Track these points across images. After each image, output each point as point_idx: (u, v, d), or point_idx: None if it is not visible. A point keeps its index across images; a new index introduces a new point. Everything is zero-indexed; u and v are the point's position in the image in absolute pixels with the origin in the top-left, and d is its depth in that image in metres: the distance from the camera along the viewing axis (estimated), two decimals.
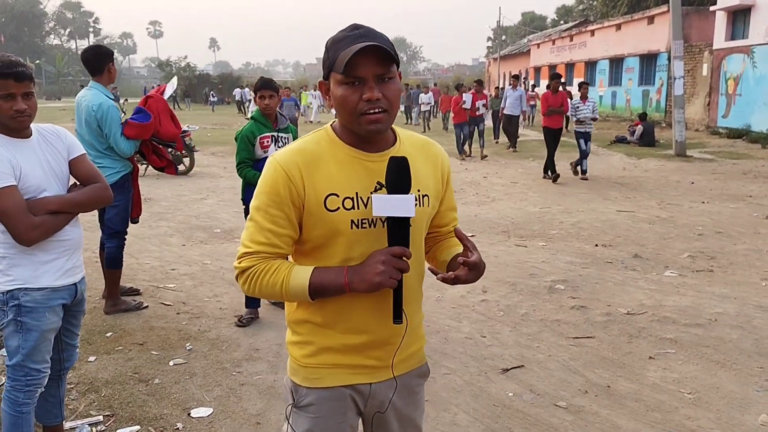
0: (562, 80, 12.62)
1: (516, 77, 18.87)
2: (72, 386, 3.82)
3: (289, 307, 1.83)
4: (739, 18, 20.61)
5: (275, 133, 4.86)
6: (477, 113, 16.06)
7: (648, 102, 26.58)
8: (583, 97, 12.25)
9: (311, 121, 29.40)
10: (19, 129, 2.62)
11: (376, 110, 1.60)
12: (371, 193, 1.66)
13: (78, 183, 2.84)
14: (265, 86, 4.80)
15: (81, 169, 2.82)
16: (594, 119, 12.29)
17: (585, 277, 6.02)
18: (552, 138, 12.23)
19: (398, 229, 1.62)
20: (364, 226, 1.66)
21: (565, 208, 9.44)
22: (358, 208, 1.66)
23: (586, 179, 12.22)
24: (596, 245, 7.28)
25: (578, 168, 12.54)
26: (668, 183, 11.85)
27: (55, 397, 3.03)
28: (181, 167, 12.28)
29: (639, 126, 18.73)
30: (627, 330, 4.78)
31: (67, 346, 2.97)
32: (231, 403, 3.66)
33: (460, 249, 1.82)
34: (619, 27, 29.79)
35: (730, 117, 20.65)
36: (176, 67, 60.33)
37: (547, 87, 12.61)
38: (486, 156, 15.97)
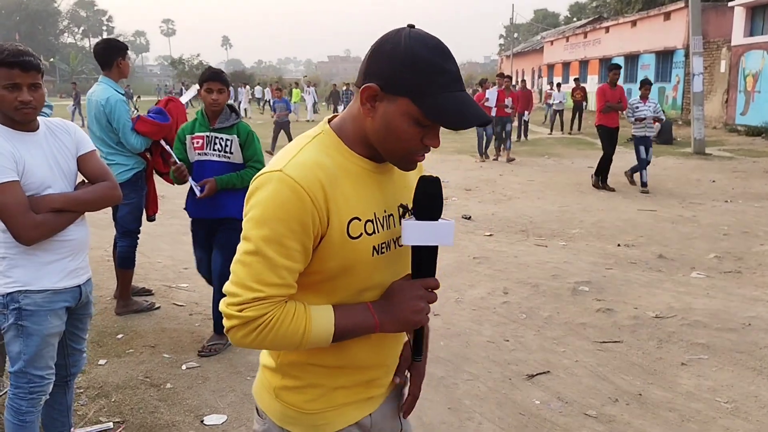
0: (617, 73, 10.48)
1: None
2: (81, 391, 3.68)
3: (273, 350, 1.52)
4: (759, 13, 20.25)
5: (209, 133, 4.06)
6: (505, 111, 14.68)
7: (664, 99, 26.23)
8: (644, 98, 10.58)
9: (309, 120, 28.95)
10: (24, 121, 2.48)
11: (425, 153, 1.42)
12: (385, 212, 1.45)
13: (86, 181, 2.69)
14: (214, 78, 4.06)
15: (89, 166, 2.67)
16: (659, 120, 10.87)
17: (609, 279, 5.82)
18: (610, 139, 10.67)
19: (429, 257, 1.42)
20: (383, 251, 1.44)
21: (584, 207, 9.23)
22: (378, 232, 1.42)
23: (647, 192, 10.46)
24: (619, 245, 7.08)
25: (634, 177, 11.09)
26: (688, 181, 11.61)
27: (62, 405, 2.88)
28: None
29: (656, 124, 18.41)
30: (656, 334, 4.59)
31: (73, 351, 2.82)
32: (245, 410, 3.50)
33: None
34: (634, 23, 29.43)
35: (749, 114, 20.30)
36: (189, 65, 60.41)
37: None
38: (513, 159, 14.83)
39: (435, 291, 1.45)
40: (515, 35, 70.63)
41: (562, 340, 4.50)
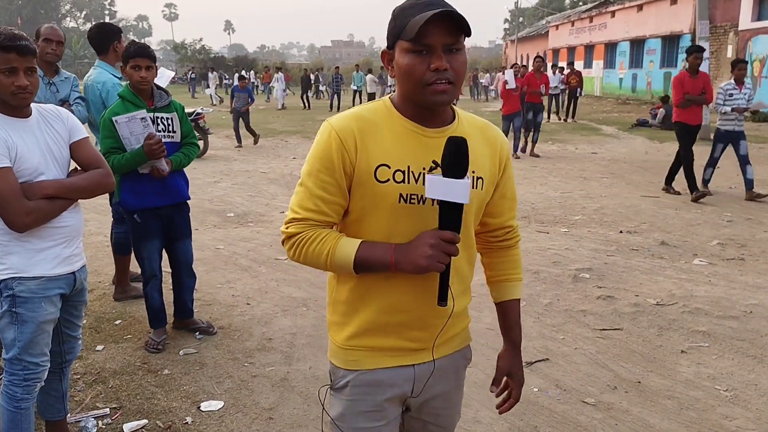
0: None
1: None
2: (78, 377, 3.68)
3: (330, 287, 1.77)
4: None
5: (152, 114, 3.82)
6: (539, 97, 12.96)
7: (670, 85, 26.02)
8: (739, 81, 8.48)
9: (280, 108, 27.67)
10: (20, 106, 2.45)
11: (443, 81, 1.52)
12: (424, 169, 1.59)
13: (79, 168, 2.66)
14: (141, 53, 3.77)
15: (82, 153, 2.64)
16: (745, 109, 8.54)
17: (611, 266, 5.79)
18: (689, 138, 8.84)
19: (451, 213, 1.52)
20: (412, 201, 1.59)
21: (587, 193, 9.18)
22: (408, 183, 1.58)
23: (707, 194, 8.85)
24: (621, 232, 7.03)
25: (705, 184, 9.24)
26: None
27: (57, 392, 2.88)
28: None
29: (661, 109, 18.31)
30: (657, 322, 4.56)
31: (68, 338, 2.81)
32: (242, 396, 3.50)
33: (514, 288, 1.91)
34: (640, 8, 29.15)
35: (756, 99, 20.13)
36: (191, 49, 60.18)
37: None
38: (538, 155, 13.06)
39: (455, 245, 1.54)
40: (520, 19, 70.10)
41: (561, 328, 4.48)
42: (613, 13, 32.26)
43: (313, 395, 3.53)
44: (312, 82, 33.46)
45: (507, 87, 12.43)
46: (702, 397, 3.55)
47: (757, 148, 14.11)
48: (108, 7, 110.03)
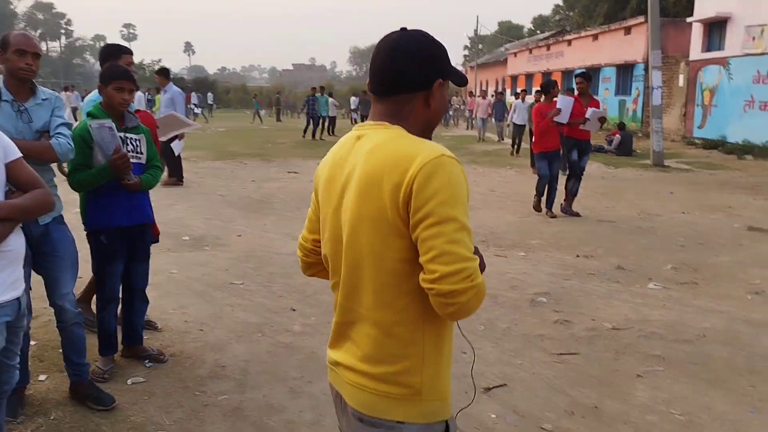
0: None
1: (524, 91, 18.98)
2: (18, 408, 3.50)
3: (410, 340, 1.62)
4: (715, 30, 20.78)
5: (122, 134, 3.77)
6: (585, 132, 9.22)
7: (625, 112, 26.72)
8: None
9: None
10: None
11: None
12: None
13: (14, 189, 2.54)
14: (126, 77, 3.76)
15: (20, 173, 2.53)
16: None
17: (568, 290, 5.82)
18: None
19: None
20: None
21: (544, 218, 9.26)
22: None
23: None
24: (578, 256, 7.10)
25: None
26: (647, 193, 11.77)
27: None
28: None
29: (617, 135, 18.74)
30: (613, 346, 4.58)
31: (6, 368, 2.67)
32: (192, 427, 3.37)
33: None
34: (596, 37, 29.96)
35: (706, 128, 20.78)
36: (149, 70, 59.50)
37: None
38: (577, 214, 9.40)
39: None
40: (480, 46, 71.34)
41: (519, 352, 4.46)
42: (569, 42, 33.08)
43: (267, 425, 3.42)
44: (273, 104, 33.21)
45: (557, 119, 8.93)
46: (657, 421, 3.55)
47: (708, 174, 14.52)
48: (64, 26, 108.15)
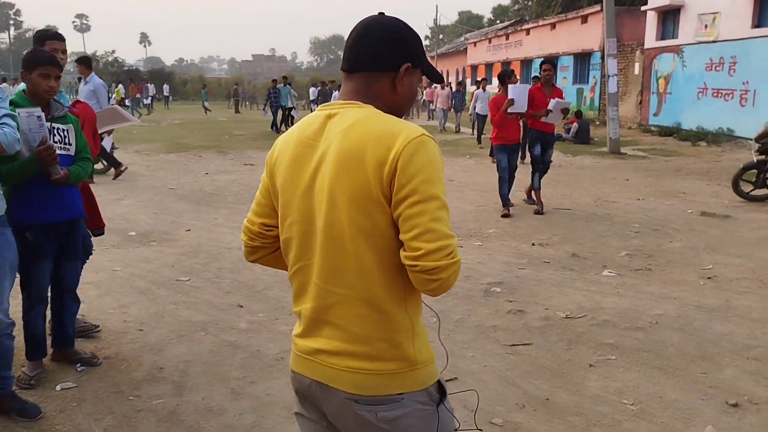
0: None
1: (484, 80, 19.28)
2: None
3: (400, 319, 1.64)
4: (669, 18, 21.02)
5: (49, 124, 3.56)
6: (547, 124, 8.75)
7: (582, 100, 26.93)
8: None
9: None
10: None
11: None
12: None
13: None
14: (53, 62, 3.55)
15: None
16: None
17: (522, 279, 5.74)
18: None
19: None
20: None
21: (501, 206, 9.19)
22: None
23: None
24: (533, 244, 7.04)
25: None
26: (603, 180, 11.83)
27: None
28: (98, 165, 11.45)
29: (574, 124, 18.84)
30: (566, 335, 4.51)
31: None
32: None
33: None
34: (553, 26, 30.11)
35: (661, 115, 21.04)
36: (103, 62, 58.10)
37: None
38: (541, 212, 8.75)
39: None
40: (440, 36, 71.37)
41: (471, 344, 4.36)
42: (528, 31, 33.20)
43: (203, 429, 3.25)
44: (232, 95, 32.69)
45: (512, 109, 8.33)
46: (609, 412, 3.48)
47: (663, 161, 14.68)
48: (13, 16, 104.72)
